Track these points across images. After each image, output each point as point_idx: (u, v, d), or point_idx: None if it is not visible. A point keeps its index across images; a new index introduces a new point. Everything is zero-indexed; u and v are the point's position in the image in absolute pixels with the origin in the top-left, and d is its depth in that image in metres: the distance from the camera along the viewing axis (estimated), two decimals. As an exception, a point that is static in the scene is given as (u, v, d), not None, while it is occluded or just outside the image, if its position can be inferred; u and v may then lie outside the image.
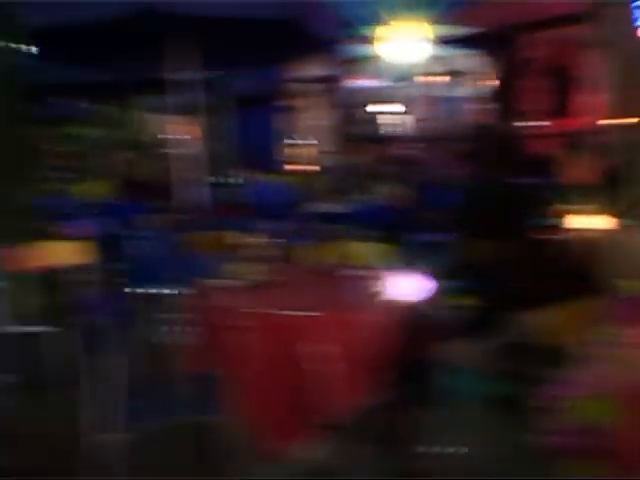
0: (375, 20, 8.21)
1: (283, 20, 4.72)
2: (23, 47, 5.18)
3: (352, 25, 5.62)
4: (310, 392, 2.41)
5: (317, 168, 11.43)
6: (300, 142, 12.71)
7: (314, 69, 10.58)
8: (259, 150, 10.37)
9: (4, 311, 3.82)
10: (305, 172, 10.95)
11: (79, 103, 9.86)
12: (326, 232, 5.15)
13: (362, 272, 3.18)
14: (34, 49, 5.15)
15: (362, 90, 12.14)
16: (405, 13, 8.21)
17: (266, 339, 2.56)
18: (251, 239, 2.94)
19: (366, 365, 2.50)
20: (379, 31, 8.54)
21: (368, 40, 8.79)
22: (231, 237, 4.32)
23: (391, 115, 12.05)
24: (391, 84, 11.75)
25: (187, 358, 2.94)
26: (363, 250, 3.59)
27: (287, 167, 11.75)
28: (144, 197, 7.89)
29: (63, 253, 4.19)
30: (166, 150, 12.19)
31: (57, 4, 4.60)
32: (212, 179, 6.99)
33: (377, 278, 3.08)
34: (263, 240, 3.07)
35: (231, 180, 6.84)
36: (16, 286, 3.88)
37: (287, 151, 12.33)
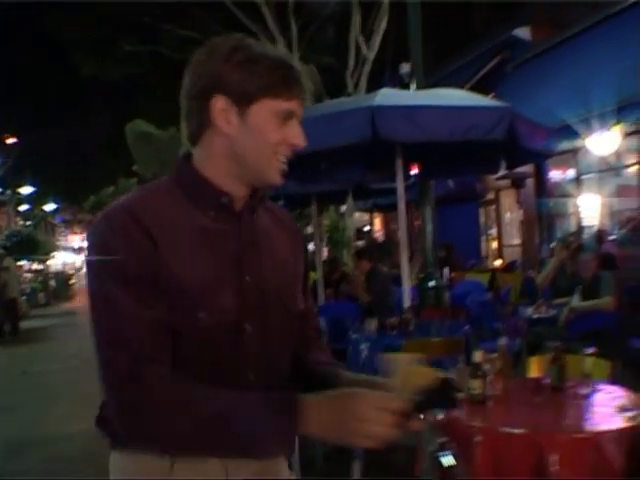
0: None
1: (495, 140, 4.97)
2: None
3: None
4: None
5: (518, 265, 11.16)
6: (499, 238, 12.64)
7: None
8: (460, 247, 10.47)
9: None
10: (505, 269, 10.81)
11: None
12: (540, 340, 5.07)
13: (587, 387, 3.15)
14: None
15: (564, 182, 11.93)
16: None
17: (499, 457, 2.62)
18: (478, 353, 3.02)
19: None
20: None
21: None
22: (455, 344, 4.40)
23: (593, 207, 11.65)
24: (592, 175, 11.43)
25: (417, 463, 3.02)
26: (581, 364, 3.49)
27: (489, 264, 11.58)
28: (349, 296, 8.23)
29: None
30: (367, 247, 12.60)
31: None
32: (419, 278, 7.18)
33: (607, 394, 3.05)
34: (481, 353, 3.13)
35: (435, 279, 6.99)
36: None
37: (487, 247, 12.23)
